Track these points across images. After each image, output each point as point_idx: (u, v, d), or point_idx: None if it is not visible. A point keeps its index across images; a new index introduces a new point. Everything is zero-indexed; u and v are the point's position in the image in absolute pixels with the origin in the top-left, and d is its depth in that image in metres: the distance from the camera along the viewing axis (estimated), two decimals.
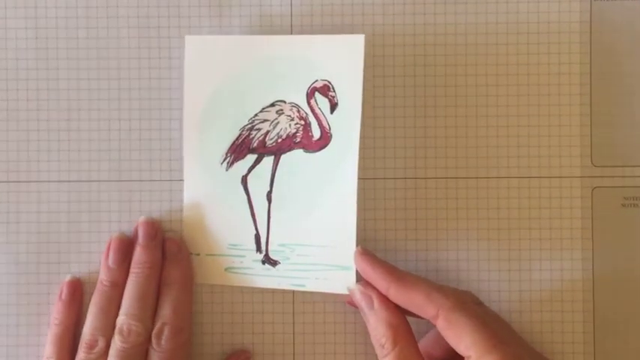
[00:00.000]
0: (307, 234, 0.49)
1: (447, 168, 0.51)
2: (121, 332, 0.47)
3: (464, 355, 0.43)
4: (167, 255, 0.49)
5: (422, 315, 0.45)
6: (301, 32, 0.50)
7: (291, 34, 0.50)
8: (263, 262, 0.50)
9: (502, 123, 0.50)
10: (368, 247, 0.49)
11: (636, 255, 0.50)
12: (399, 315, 0.46)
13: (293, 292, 0.51)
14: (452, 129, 0.51)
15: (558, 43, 0.50)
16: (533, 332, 0.50)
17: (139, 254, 0.49)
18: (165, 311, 0.48)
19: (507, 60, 0.50)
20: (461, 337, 0.43)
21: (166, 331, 0.47)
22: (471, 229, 0.51)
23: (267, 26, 0.51)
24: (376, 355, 0.47)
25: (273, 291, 0.51)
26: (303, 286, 0.50)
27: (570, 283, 0.50)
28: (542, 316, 0.50)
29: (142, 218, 0.50)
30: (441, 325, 0.44)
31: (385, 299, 0.46)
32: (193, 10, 0.51)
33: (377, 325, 0.45)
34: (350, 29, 0.50)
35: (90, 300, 0.49)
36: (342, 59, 0.49)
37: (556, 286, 0.50)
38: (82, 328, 0.48)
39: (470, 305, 0.44)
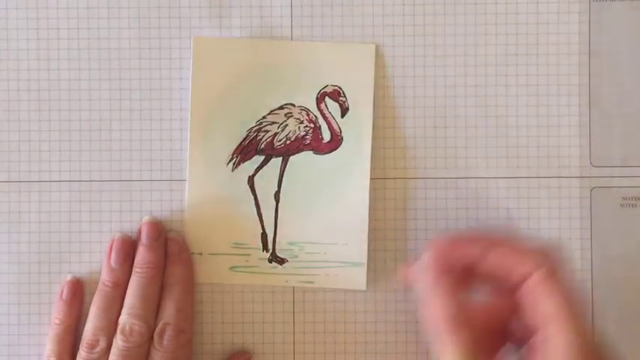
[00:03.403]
0: (317, 232, 0.50)
1: (447, 168, 0.51)
2: (123, 332, 0.47)
3: (535, 325, 0.41)
4: (169, 255, 0.50)
5: (512, 276, 0.42)
6: (301, 33, 0.51)
7: (292, 34, 0.51)
8: (270, 261, 0.50)
9: (501, 123, 0.51)
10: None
11: (635, 255, 0.50)
12: (458, 302, 0.43)
13: (293, 292, 0.51)
14: (451, 129, 0.51)
15: (557, 44, 0.51)
16: None
17: (142, 254, 0.49)
18: (168, 311, 0.48)
19: (506, 60, 0.51)
20: (542, 305, 0.40)
21: (168, 331, 0.47)
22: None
23: (267, 27, 0.51)
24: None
25: (273, 291, 0.51)
26: (312, 282, 0.50)
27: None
28: None
29: (145, 218, 0.50)
30: (529, 286, 0.41)
31: (446, 283, 0.43)
32: (194, 10, 0.51)
33: (435, 311, 0.43)
34: (350, 30, 0.50)
35: (91, 300, 0.49)
36: (352, 67, 0.50)
37: None
38: (83, 327, 0.48)
39: (561, 275, 0.41)
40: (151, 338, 0.47)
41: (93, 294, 0.49)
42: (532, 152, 0.51)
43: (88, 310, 0.49)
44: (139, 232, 0.50)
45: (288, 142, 0.50)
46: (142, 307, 0.47)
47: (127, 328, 0.47)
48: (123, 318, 0.47)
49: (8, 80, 0.51)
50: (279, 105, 0.50)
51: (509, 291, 0.43)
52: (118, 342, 0.47)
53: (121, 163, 0.51)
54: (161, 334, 0.47)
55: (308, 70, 0.50)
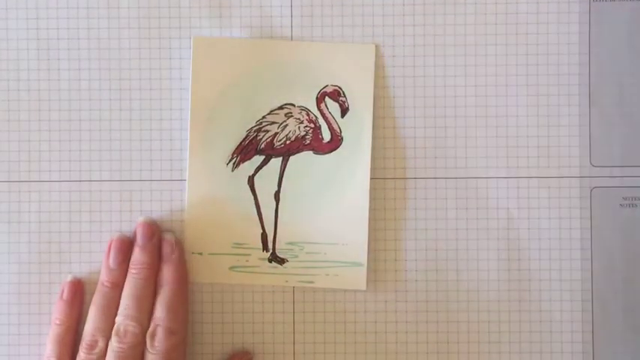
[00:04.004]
0: (317, 232, 0.50)
1: (447, 168, 0.51)
2: (117, 333, 0.47)
3: None
4: (162, 256, 0.50)
5: None
6: (301, 33, 0.51)
7: (292, 34, 0.51)
8: (270, 261, 0.50)
9: (501, 123, 0.51)
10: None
11: (635, 255, 0.50)
12: None
13: (293, 292, 0.51)
14: (451, 129, 0.51)
15: (557, 44, 0.51)
16: (532, 332, 0.51)
17: (136, 255, 0.49)
18: (159, 313, 0.48)
19: (507, 60, 0.51)
20: None
21: (159, 333, 0.47)
22: (470, 229, 0.51)
23: (267, 27, 0.51)
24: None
25: (273, 291, 0.51)
26: (312, 282, 0.50)
27: (569, 282, 0.50)
28: (542, 315, 0.51)
29: (140, 219, 0.50)
30: None
31: None
32: (194, 10, 0.51)
33: None
34: (350, 30, 0.50)
35: (90, 300, 0.49)
36: (352, 67, 0.50)
37: (555, 286, 0.51)
38: (83, 328, 0.48)
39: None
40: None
41: (93, 294, 0.49)
42: (532, 152, 0.51)
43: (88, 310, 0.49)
44: (135, 232, 0.50)
45: (288, 142, 0.50)
46: (135, 307, 0.47)
47: (122, 329, 0.47)
48: (118, 319, 0.47)
49: (8, 80, 0.51)
50: (279, 105, 0.50)
51: None
52: (113, 343, 0.46)
53: (121, 163, 0.51)
54: (152, 336, 0.47)
55: (308, 70, 0.50)
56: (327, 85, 0.50)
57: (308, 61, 0.50)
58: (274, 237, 0.50)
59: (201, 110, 0.50)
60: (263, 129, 0.50)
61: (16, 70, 0.51)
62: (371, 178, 0.50)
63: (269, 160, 0.50)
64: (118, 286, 0.49)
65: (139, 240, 0.49)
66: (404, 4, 0.51)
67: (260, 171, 0.50)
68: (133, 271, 0.48)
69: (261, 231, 0.50)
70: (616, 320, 0.50)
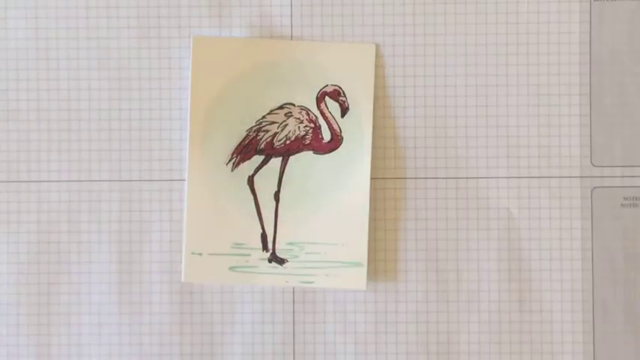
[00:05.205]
0: (317, 232, 0.50)
1: (447, 168, 0.51)
2: None
3: None
4: None
5: None
6: (301, 33, 0.51)
7: (292, 34, 0.51)
8: (269, 261, 0.50)
9: (502, 123, 0.51)
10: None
11: (635, 255, 0.50)
12: None
13: (293, 292, 0.51)
14: (451, 129, 0.51)
15: (558, 44, 0.50)
16: (532, 332, 0.50)
17: None
18: None
19: (507, 60, 0.51)
20: None
21: None
22: (470, 230, 0.51)
23: (267, 27, 0.51)
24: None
25: (273, 291, 0.51)
26: (312, 282, 0.50)
27: (570, 283, 0.50)
28: (542, 315, 0.50)
29: None
30: None
31: None
32: (194, 10, 0.51)
33: None
34: (350, 30, 0.50)
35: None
36: (352, 67, 0.50)
37: (555, 286, 0.50)
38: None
39: None
40: None
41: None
42: (532, 152, 0.51)
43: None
44: None
45: (288, 141, 0.50)
46: None
47: None
48: None
49: (8, 80, 0.51)
50: (278, 105, 0.50)
51: None
52: None
53: (121, 163, 0.51)
54: None
55: (308, 70, 0.50)
56: (327, 85, 0.50)
57: (308, 60, 0.50)
58: (274, 237, 0.50)
59: (201, 110, 0.50)
60: (263, 129, 0.50)
61: (15, 69, 0.51)
62: (371, 178, 0.50)
63: (269, 160, 0.50)
64: None
65: None
66: (404, 4, 0.51)
67: (260, 171, 0.50)
68: None
69: (261, 231, 0.50)
70: (616, 320, 0.50)
